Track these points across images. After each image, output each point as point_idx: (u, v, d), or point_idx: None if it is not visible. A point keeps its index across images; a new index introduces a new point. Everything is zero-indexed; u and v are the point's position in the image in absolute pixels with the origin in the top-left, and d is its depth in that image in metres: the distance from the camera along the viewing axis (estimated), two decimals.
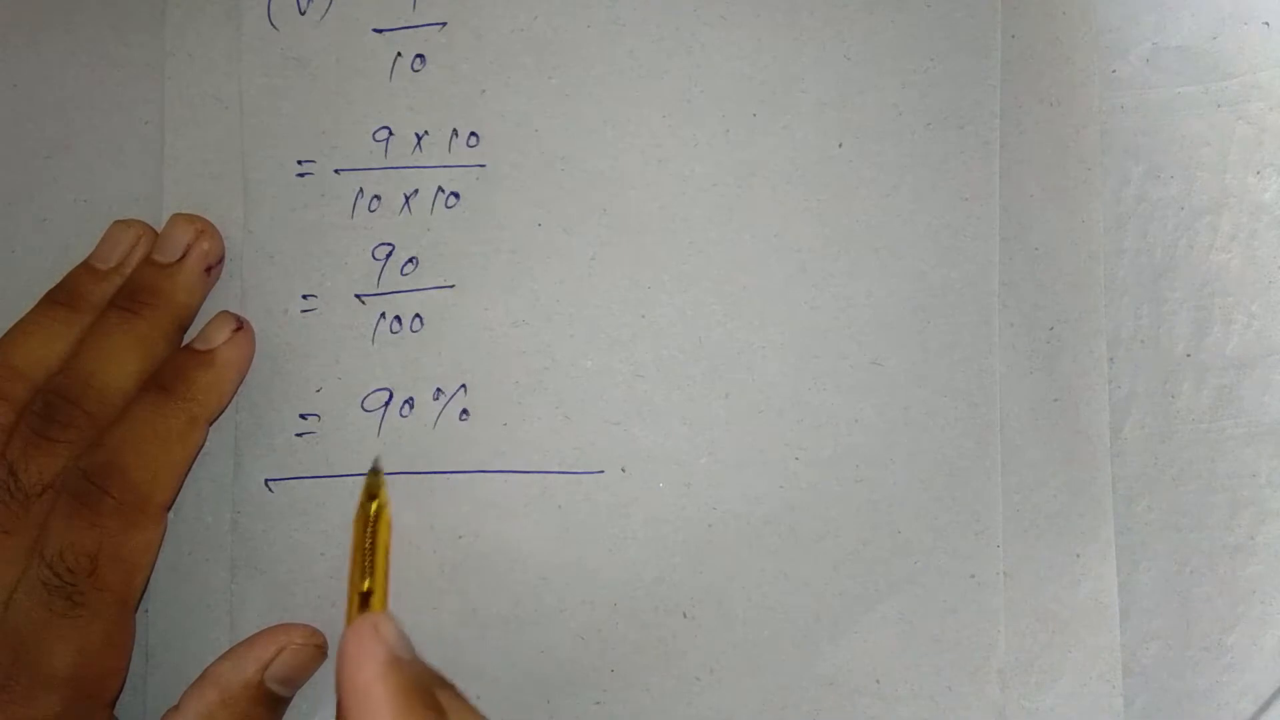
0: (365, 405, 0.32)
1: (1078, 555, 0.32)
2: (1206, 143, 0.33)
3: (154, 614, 0.32)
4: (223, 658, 0.29)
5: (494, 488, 0.32)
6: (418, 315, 0.32)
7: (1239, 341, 0.33)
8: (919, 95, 0.32)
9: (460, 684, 0.31)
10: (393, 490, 0.32)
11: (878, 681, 0.31)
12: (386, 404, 0.32)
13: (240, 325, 0.31)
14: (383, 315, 0.32)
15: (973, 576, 0.32)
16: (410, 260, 0.32)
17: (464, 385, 0.32)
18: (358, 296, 0.32)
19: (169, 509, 0.30)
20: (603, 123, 0.32)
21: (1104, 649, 0.32)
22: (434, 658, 0.31)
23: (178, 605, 0.32)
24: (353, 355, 0.32)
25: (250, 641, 0.29)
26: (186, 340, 0.32)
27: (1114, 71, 0.33)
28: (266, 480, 0.32)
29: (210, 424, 0.31)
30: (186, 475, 0.31)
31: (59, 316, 0.31)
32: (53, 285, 0.32)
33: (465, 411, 0.32)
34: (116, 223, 0.32)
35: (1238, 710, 0.32)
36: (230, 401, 0.31)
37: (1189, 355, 0.33)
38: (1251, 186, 0.33)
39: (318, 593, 0.32)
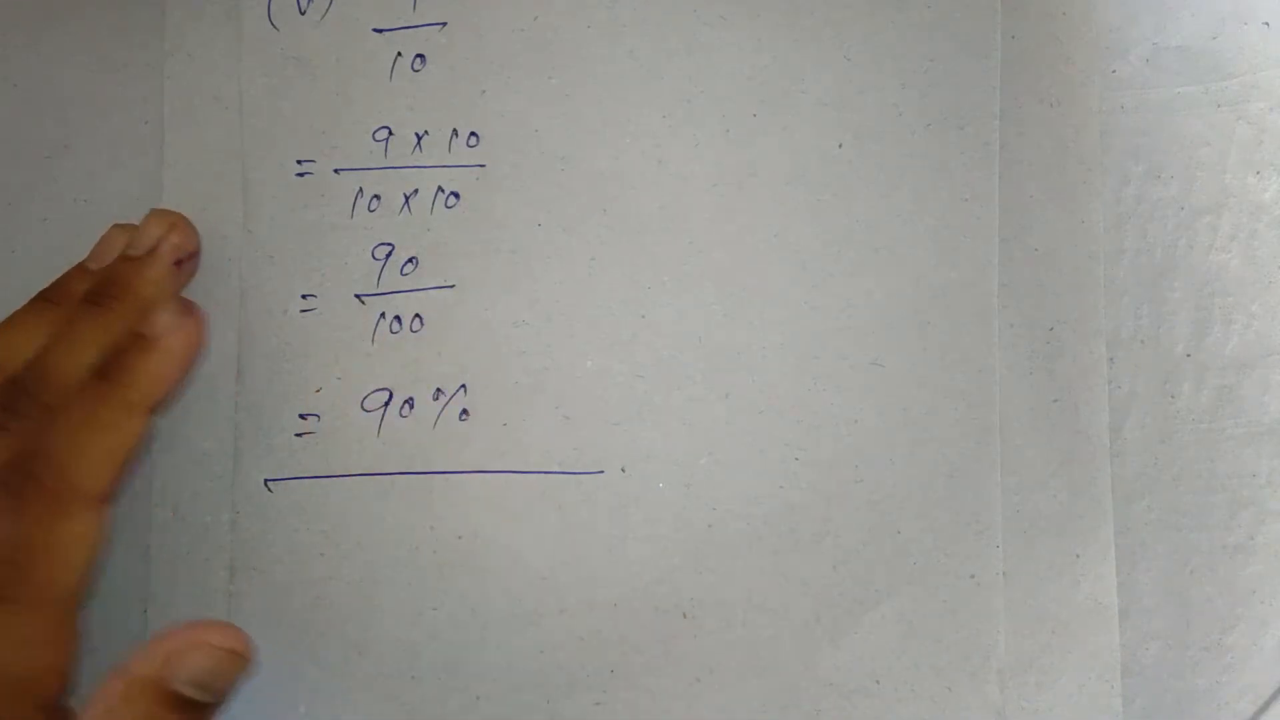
0: (365, 405, 0.32)
1: (1077, 555, 0.32)
2: (1206, 143, 0.33)
3: (153, 614, 0.32)
4: (137, 648, 0.27)
5: (494, 488, 0.32)
6: (418, 315, 0.32)
7: (1239, 341, 0.32)
8: (919, 95, 0.32)
9: (460, 684, 0.31)
10: (393, 490, 0.32)
11: (878, 681, 0.31)
12: (386, 404, 0.32)
13: (190, 311, 0.30)
14: (382, 315, 0.32)
15: (973, 577, 0.32)
16: (410, 260, 0.32)
17: (464, 385, 0.32)
18: (357, 296, 0.32)
19: (108, 501, 0.29)
20: (603, 123, 0.32)
21: (1103, 649, 0.32)
22: (434, 658, 0.31)
23: (177, 605, 0.32)
24: (352, 355, 0.32)
25: (164, 634, 0.27)
26: None
27: (1114, 71, 0.33)
28: (266, 480, 0.32)
29: (153, 412, 0.30)
30: (127, 466, 0.29)
31: (43, 311, 0.30)
32: None
33: (465, 411, 0.32)
34: (115, 226, 0.32)
35: (1238, 710, 0.32)
36: (176, 388, 0.30)
37: (1189, 355, 0.33)
38: (1251, 186, 0.33)
39: (316, 593, 0.32)
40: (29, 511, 0.27)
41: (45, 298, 0.31)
